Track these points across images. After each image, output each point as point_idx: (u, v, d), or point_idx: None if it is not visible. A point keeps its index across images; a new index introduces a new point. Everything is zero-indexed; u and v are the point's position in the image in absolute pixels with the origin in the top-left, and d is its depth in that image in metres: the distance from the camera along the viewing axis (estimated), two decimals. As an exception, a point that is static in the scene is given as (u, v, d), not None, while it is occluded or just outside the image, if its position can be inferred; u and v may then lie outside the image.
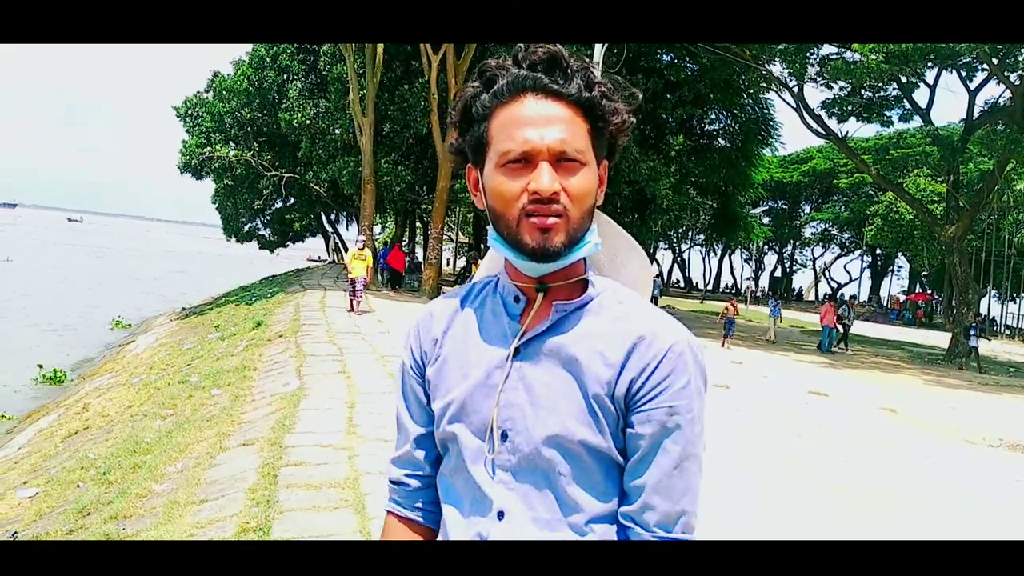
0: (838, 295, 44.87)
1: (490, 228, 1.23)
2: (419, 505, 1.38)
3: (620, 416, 1.18)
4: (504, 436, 1.21)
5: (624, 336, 1.19)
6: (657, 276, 43.49)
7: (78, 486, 6.79)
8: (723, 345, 19.58)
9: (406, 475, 1.39)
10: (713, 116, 31.09)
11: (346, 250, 42.05)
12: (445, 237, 32.71)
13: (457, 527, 1.25)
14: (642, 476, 1.16)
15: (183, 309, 25.74)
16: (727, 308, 21.09)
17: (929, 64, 23.20)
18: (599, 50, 17.56)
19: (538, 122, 1.16)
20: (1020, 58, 20.98)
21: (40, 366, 15.39)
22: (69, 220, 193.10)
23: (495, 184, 1.18)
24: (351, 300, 16.59)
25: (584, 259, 1.25)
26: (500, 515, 1.20)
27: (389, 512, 1.41)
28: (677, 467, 1.16)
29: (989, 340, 35.74)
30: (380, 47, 22.39)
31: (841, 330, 24.46)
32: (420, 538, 1.36)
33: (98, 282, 38.22)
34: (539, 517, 1.18)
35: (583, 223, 1.19)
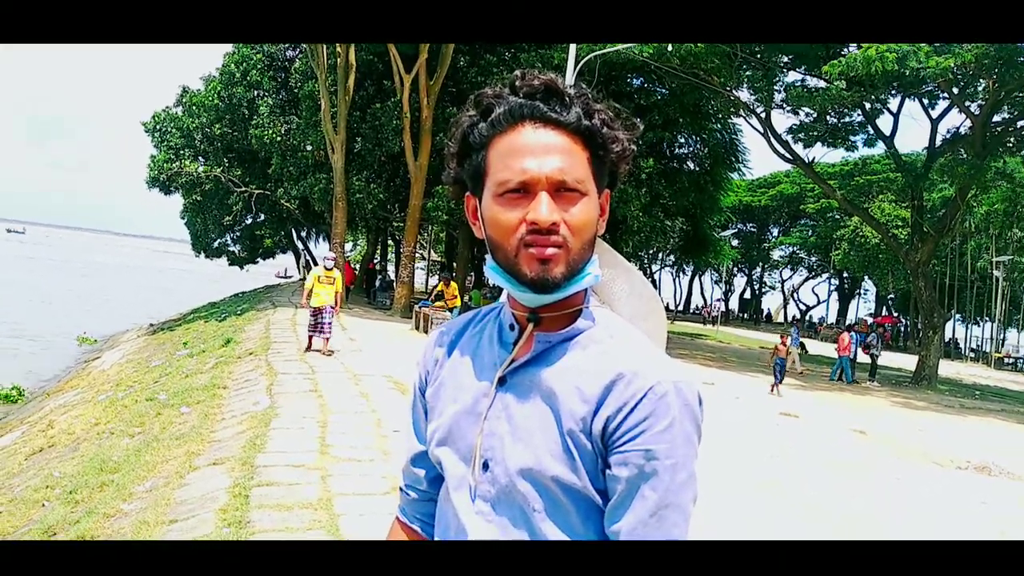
0: (852, 323, 44.80)
1: (488, 257, 1.21)
2: (419, 516, 1.41)
3: (599, 456, 1.13)
4: (485, 466, 1.19)
5: (604, 372, 1.14)
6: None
7: (43, 505, 6.63)
8: (772, 391, 16.27)
9: (407, 486, 1.42)
10: (682, 140, 31.42)
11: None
12: (417, 255, 32.62)
13: None
14: (618, 522, 1.11)
15: (151, 325, 25.37)
16: (777, 347, 16.99)
17: (892, 92, 23.71)
18: (571, 74, 17.75)
19: (537, 151, 1.13)
20: (979, 88, 21.49)
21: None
22: (8, 231, 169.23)
23: (493, 214, 1.16)
24: (310, 336, 12.86)
25: (586, 290, 1.22)
26: None
27: (396, 517, 1.45)
28: (654, 515, 1.09)
29: (952, 361, 36.42)
30: (353, 64, 22.38)
31: (868, 359, 22.58)
32: None
33: (59, 297, 37.52)
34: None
35: (583, 254, 1.16)
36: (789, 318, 67.01)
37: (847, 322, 61.55)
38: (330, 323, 12.83)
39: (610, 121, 1.19)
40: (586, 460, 1.13)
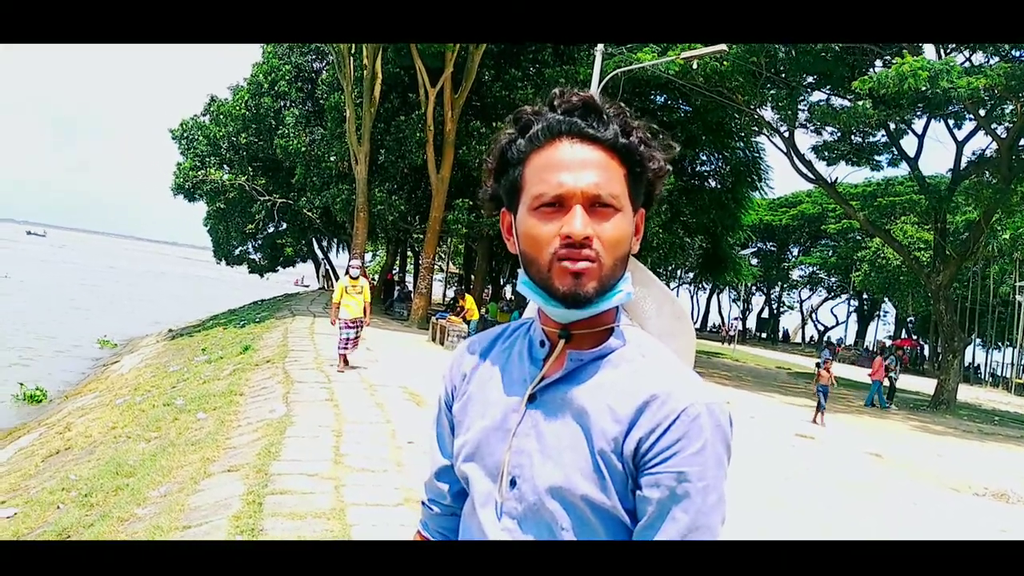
0: (886, 347, 43.94)
1: (521, 272, 1.21)
2: (441, 530, 1.42)
3: (629, 476, 1.13)
4: (512, 483, 1.19)
5: (637, 393, 1.14)
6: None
7: (58, 507, 6.69)
8: (815, 420, 14.94)
9: (430, 500, 1.43)
10: (704, 157, 31.39)
11: (337, 278, 42.14)
12: (436, 267, 32.76)
13: None
14: None
15: (170, 330, 25.58)
16: (820, 373, 15.67)
17: (918, 113, 23.57)
18: (595, 89, 17.80)
19: (573, 166, 1.14)
20: (1007, 111, 21.33)
21: (21, 384, 15.22)
22: (28, 233, 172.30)
23: (527, 227, 1.16)
24: (343, 354, 11.99)
25: (617, 308, 1.22)
26: None
27: (418, 531, 1.46)
28: (684, 538, 1.09)
29: (971, 386, 35.90)
30: (379, 76, 22.58)
31: (887, 383, 21.94)
32: None
33: (80, 300, 37.90)
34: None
35: (616, 271, 1.16)
36: (820, 339, 66.46)
37: (866, 344, 61.11)
38: (357, 338, 12.10)
39: (647, 139, 1.19)
40: (616, 480, 1.13)
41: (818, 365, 19.52)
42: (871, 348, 58.12)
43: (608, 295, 1.16)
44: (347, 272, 12.49)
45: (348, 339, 11.91)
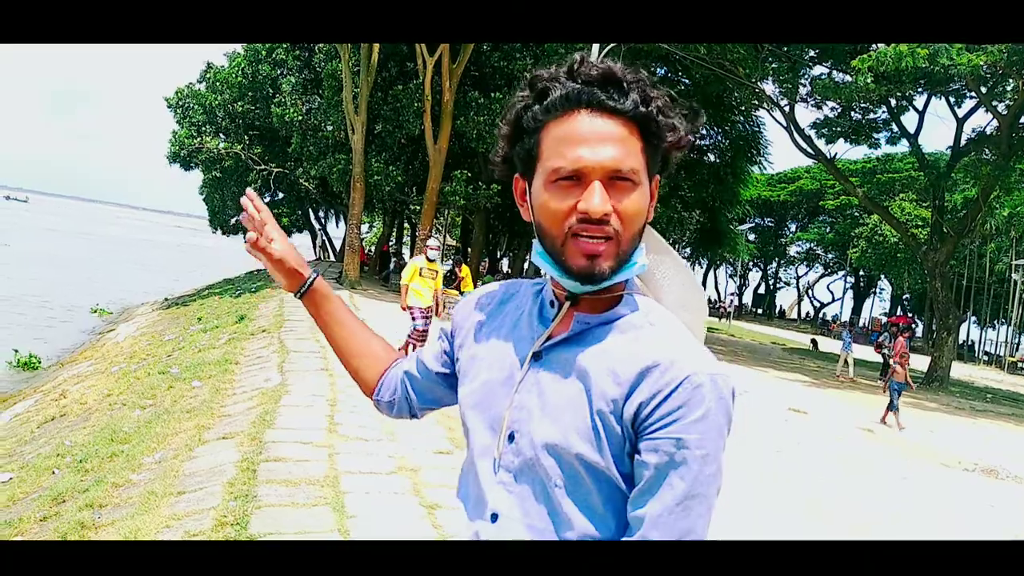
0: (882, 324, 43.42)
1: (535, 242, 1.21)
2: (396, 383, 1.55)
3: (627, 440, 1.13)
4: (511, 438, 1.21)
5: (641, 358, 1.14)
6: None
7: (53, 473, 6.72)
8: (884, 420, 13.07)
9: (405, 370, 1.54)
10: (704, 132, 31.25)
11: (333, 250, 42.13)
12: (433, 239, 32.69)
13: (460, 527, 1.28)
14: (643, 508, 1.11)
15: (166, 299, 25.56)
16: (894, 368, 13.31)
17: (919, 89, 23.45)
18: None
19: (592, 140, 1.12)
20: (1008, 88, 21.23)
21: (16, 351, 15.22)
22: (7, 199, 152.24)
23: (543, 201, 1.16)
24: (411, 343, 10.45)
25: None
26: (494, 517, 1.21)
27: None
28: (680, 504, 1.09)
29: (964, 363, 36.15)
30: (376, 46, 22.36)
31: (880, 359, 21.86)
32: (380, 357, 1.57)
33: (71, 267, 37.78)
34: (533, 524, 1.18)
35: (632, 244, 1.16)
36: (816, 315, 66.45)
37: (859, 320, 61.26)
38: (427, 330, 10.48)
39: (667, 109, 1.17)
40: (612, 442, 1.13)
41: (883, 352, 19.32)
42: (866, 325, 58.35)
43: (624, 269, 1.16)
44: (423, 252, 10.91)
45: (423, 331, 10.44)
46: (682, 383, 1.10)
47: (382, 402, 1.54)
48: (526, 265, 32.56)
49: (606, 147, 1.12)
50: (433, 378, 1.47)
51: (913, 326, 51.38)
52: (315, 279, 1.53)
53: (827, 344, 37.19)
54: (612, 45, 19.38)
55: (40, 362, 15.44)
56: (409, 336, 10.57)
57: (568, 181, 1.13)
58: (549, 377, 1.20)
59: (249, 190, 1.52)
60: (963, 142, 24.40)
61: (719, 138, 31.88)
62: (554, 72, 1.18)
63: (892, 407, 12.96)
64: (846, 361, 21.02)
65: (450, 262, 22.18)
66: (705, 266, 69.53)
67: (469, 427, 1.29)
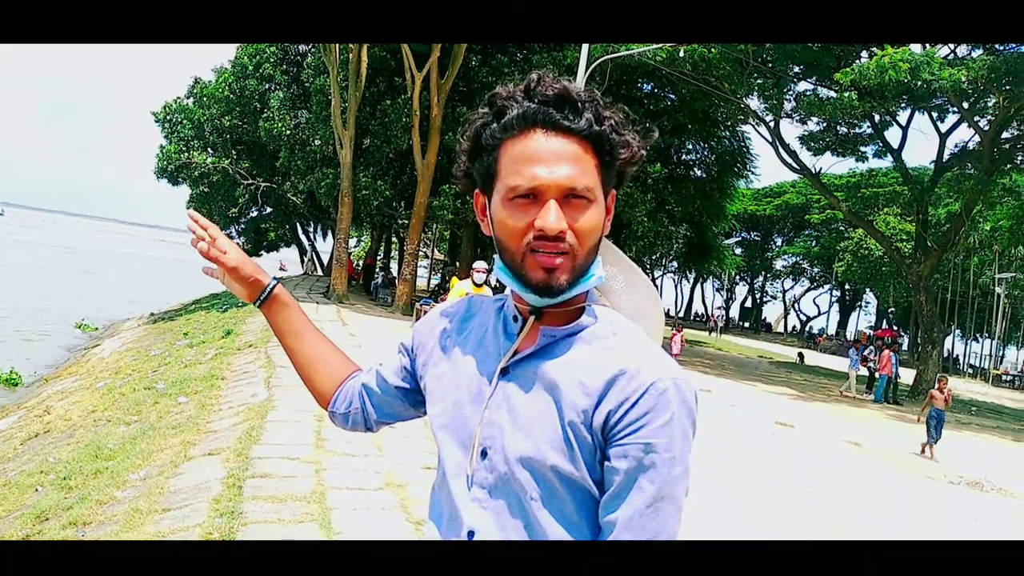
0: (864, 336, 43.23)
1: (496, 257, 1.24)
2: (353, 390, 1.53)
3: (597, 448, 1.16)
4: (484, 454, 1.22)
5: (607, 367, 1.17)
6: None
7: (36, 490, 6.66)
8: (923, 452, 11.98)
9: (363, 383, 1.53)
10: (691, 146, 31.46)
11: (321, 265, 41.95)
12: (421, 254, 32.70)
13: None
14: (614, 512, 1.13)
15: (152, 314, 25.40)
16: (933, 394, 12.22)
17: (902, 104, 23.71)
18: (582, 76, 17.76)
19: (547, 159, 1.15)
20: (990, 104, 21.50)
21: (-4, 367, 15.03)
22: None
23: (501, 218, 1.19)
24: None
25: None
26: (471, 534, 1.21)
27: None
28: (650, 506, 1.11)
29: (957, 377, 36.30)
30: (364, 60, 22.42)
31: (865, 373, 21.67)
32: (338, 370, 1.56)
33: (55, 283, 37.40)
34: (509, 539, 1.18)
35: (588, 258, 1.19)
36: (803, 328, 66.51)
37: (847, 335, 61.54)
38: None
39: (619, 127, 1.20)
40: (584, 451, 1.15)
41: (869, 366, 19.00)
42: (852, 338, 58.63)
43: (581, 282, 1.19)
44: (470, 276, 10.26)
45: None
46: (648, 389, 1.13)
47: (337, 414, 1.53)
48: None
49: (561, 166, 1.15)
50: (392, 392, 1.47)
51: (898, 339, 51.66)
52: (275, 286, 1.52)
53: (813, 357, 37.32)
54: (600, 59, 19.52)
55: (21, 379, 15.25)
56: None
57: (525, 199, 1.16)
58: (518, 391, 1.22)
59: (191, 211, 1.52)
60: (946, 157, 24.66)
61: (705, 153, 32.05)
62: (511, 91, 1.20)
63: (933, 438, 11.82)
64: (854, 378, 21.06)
65: (439, 275, 22.11)
66: (692, 280, 69.88)
67: (441, 446, 1.29)
